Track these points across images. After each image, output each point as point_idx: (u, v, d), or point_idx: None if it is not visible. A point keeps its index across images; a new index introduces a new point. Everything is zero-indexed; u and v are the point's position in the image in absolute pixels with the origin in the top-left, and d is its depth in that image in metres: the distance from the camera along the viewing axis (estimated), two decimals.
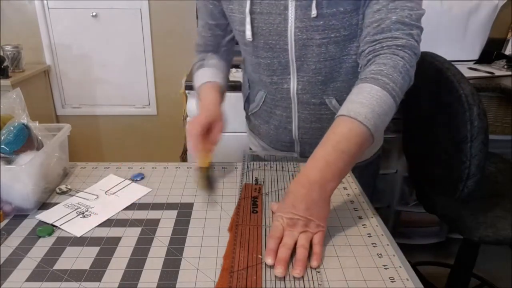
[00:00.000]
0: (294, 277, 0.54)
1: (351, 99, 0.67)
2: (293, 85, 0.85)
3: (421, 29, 0.72)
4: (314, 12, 0.74)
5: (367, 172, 1.03)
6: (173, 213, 0.70)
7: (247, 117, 1.06)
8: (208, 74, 0.91)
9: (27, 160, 0.69)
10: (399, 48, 0.69)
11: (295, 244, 0.59)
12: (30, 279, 0.54)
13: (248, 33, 0.81)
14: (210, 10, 0.88)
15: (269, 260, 0.56)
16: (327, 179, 0.62)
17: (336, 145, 0.62)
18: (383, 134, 1.02)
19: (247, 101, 1.02)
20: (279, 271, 0.54)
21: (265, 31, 0.80)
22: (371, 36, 0.72)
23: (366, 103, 0.64)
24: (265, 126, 0.97)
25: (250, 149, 1.10)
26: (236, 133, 1.40)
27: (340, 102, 0.84)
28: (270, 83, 0.87)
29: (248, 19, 0.79)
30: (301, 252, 0.57)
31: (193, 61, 0.99)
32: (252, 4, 0.78)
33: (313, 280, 0.54)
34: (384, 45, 0.70)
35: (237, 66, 1.79)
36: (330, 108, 0.86)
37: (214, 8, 0.88)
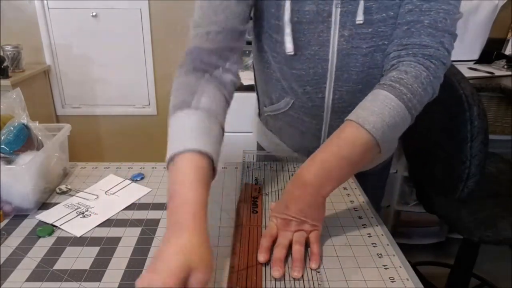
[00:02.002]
0: (293, 278, 0.54)
1: (363, 105, 0.63)
2: (329, 94, 0.77)
3: (454, 36, 0.66)
4: (360, 18, 0.67)
5: (383, 174, 1.01)
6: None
7: (262, 116, 0.96)
8: (197, 132, 0.56)
9: (27, 160, 0.69)
10: (426, 58, 0.64)
11: (291, 244, 0.59)
12: (30, 279, 0.54)
13: (289, 46, 0.71)
14: (242, 11, 0.68)
15: (261, 258, 0.56)
16: (321, 183, 0.60)
17: (338, 151, 0.60)
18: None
19: (264, 101, 0.91)
20: (276, 273, 0.54)
21: (304, 42, 0.72)
22: (399, 39, 0.67)
23: (377, 112, 0.60)
24: (290, 129, 0.89)
25: (261, 147, 1.02)
26: (236, 133, 1.41)
27: None
28: (302, 92, 0.79)
29: (288, 30, 0.70)
30: (296, 250, 0.57)
31: (176, 86, 0.64)
32: (291, 12, 0.69)
33: (313, 280, 0.54)
34: (410, 52, 0.65)
35: None
36: None
37: (247, 9, 0.69)
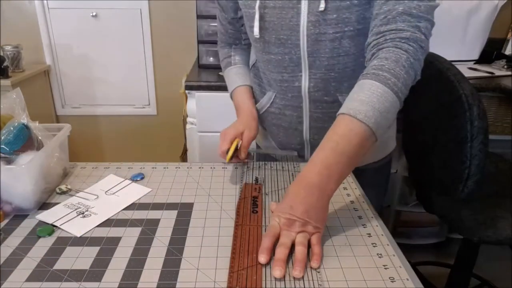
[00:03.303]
0: (294, 277, 0.54)
1: (352, 97, 0.65)
2: (305, 82, 0.82)
3: (431, 22, 0.68)
4: (322, 6, 0.72)
5: (382, 172, 1.02)
6: (173, 213, 0.70)
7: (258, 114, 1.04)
8: (239, 76, 0.95)
9: (27, 160, 0.69)
10: (403, 41, 0.66)
11: (293, 245, 0.58)
12: (30, 279, 0.54)
13: (256, 30, 0.79)
14: (231, 6, 0.91)
15: (262, 259, 0.56)
16: (326, 182, 0.61)
17: (336, 147, 0.61)
18: (395, 134, 1.00)
19: (256, 100, 0.99)
20: (277, 272, 0.54)
21: (277, 26, 0.78)
22: (377, 28, 0.69)
23: (366, 100, 0.62)
24: (274, 128, 0.95)
25: (258, 147, 1.07)
26: None
27: None
28: (281, 81, 0.85)
29: (257, 16, 0.78)
30: (300, 251, 0.57)
31: (220, 56, 1.03)
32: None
33: (313, 280, 0.54)
34: (388, 38, 0.67)
35: None
36: None
37: (234, 4, 0.90)
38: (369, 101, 0.62)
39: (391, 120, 0.67)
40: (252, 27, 0.81)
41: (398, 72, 0.65)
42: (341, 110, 0.64)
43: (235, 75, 0.96)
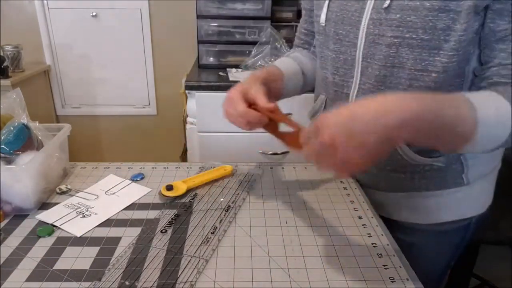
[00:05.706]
0: (293, 279, 0.54)
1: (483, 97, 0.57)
2: (353, 91, 0.75)
3: None
4: (387, 2, 0.64)
5: (446, 240, 0.85)
6: (173, 213, 0.70)
7: None
8: (280, 62, 0.88)
9: (27, 160, 0.69)
10: None
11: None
12: (30, 279, 0.54)
13: (323, 17, 0.76)
14: None
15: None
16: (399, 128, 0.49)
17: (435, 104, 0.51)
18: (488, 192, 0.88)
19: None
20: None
21: (338, 18, 0.73)
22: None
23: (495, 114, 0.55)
24: None
25: None
26: (245, 133, 1.40)
27: None
28: (332, 83, 0.79)
29: (327, 2, 0.75)
30: None
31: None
32: None
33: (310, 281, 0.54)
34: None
35: (237, 66, 1.80)
36: None
37: None
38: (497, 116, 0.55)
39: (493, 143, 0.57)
40: (319, 16, 0.78)
41: None
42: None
43: (279, 61, 0.89)
